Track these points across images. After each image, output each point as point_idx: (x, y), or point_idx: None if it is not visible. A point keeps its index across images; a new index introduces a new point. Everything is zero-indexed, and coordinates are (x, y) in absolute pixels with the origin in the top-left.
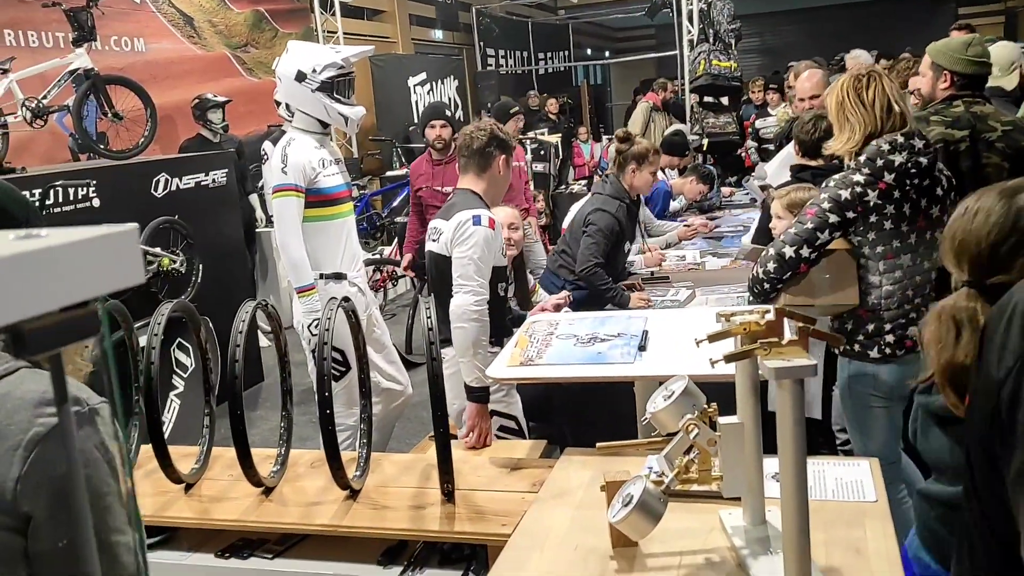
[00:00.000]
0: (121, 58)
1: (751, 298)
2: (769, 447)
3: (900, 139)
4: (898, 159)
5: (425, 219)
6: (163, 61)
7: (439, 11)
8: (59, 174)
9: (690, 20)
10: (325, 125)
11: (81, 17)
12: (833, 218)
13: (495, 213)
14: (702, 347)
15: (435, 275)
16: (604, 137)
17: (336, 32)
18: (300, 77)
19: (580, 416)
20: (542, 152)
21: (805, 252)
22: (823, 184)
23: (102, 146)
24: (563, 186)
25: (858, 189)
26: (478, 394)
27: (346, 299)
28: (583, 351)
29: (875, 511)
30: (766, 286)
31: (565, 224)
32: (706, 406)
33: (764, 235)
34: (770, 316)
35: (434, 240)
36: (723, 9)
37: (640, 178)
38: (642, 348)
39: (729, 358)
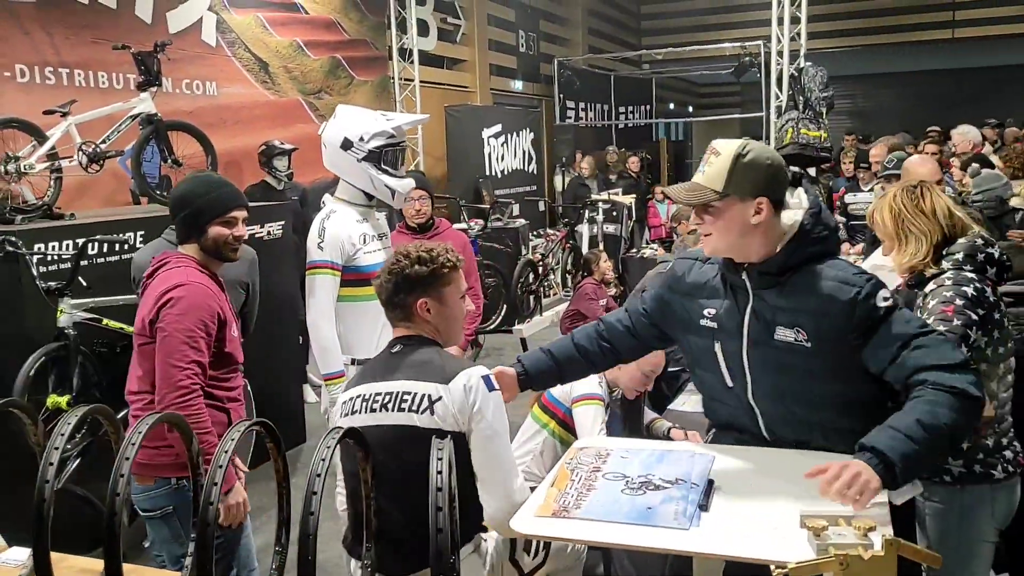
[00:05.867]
0: (191, 101)
1: None
2: None
3: (981, 237)
4: (996, 252)
5: None
6: (234, 106)
7: (520, 62)
8: (98, 224)
9: (779, 84)
10: (370, 197)
11: (148, 61)
12: (974, 315)
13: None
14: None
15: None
16: None
17: (413, 80)
18: (346, 145)
19: None
20: (614, 213)
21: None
22: (929, 291)
23: (164, 192)
24: (634, 249)
25: (978, 284)
26: None
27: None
28: (631, 502)
29: None
30: None
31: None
32: None
33: None
34: (877, 550)
35: (408, 409)
36: (815, 76)
37: None
38: (703, 507)
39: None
